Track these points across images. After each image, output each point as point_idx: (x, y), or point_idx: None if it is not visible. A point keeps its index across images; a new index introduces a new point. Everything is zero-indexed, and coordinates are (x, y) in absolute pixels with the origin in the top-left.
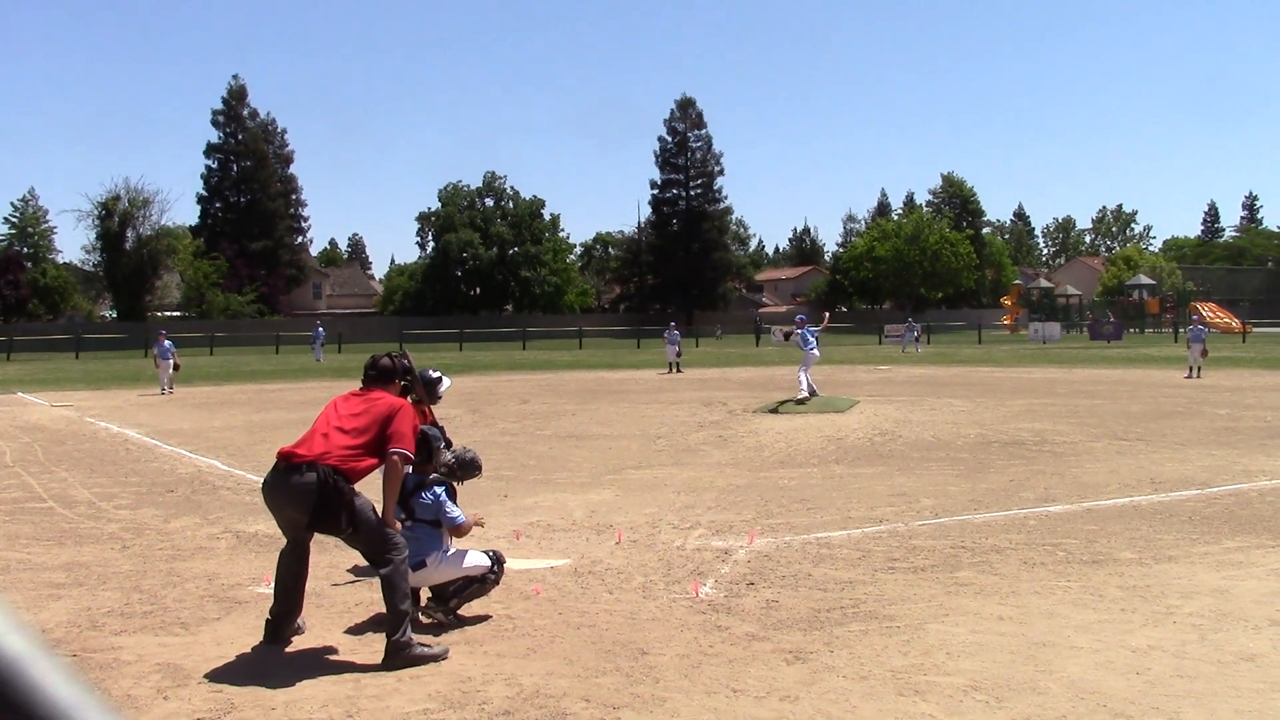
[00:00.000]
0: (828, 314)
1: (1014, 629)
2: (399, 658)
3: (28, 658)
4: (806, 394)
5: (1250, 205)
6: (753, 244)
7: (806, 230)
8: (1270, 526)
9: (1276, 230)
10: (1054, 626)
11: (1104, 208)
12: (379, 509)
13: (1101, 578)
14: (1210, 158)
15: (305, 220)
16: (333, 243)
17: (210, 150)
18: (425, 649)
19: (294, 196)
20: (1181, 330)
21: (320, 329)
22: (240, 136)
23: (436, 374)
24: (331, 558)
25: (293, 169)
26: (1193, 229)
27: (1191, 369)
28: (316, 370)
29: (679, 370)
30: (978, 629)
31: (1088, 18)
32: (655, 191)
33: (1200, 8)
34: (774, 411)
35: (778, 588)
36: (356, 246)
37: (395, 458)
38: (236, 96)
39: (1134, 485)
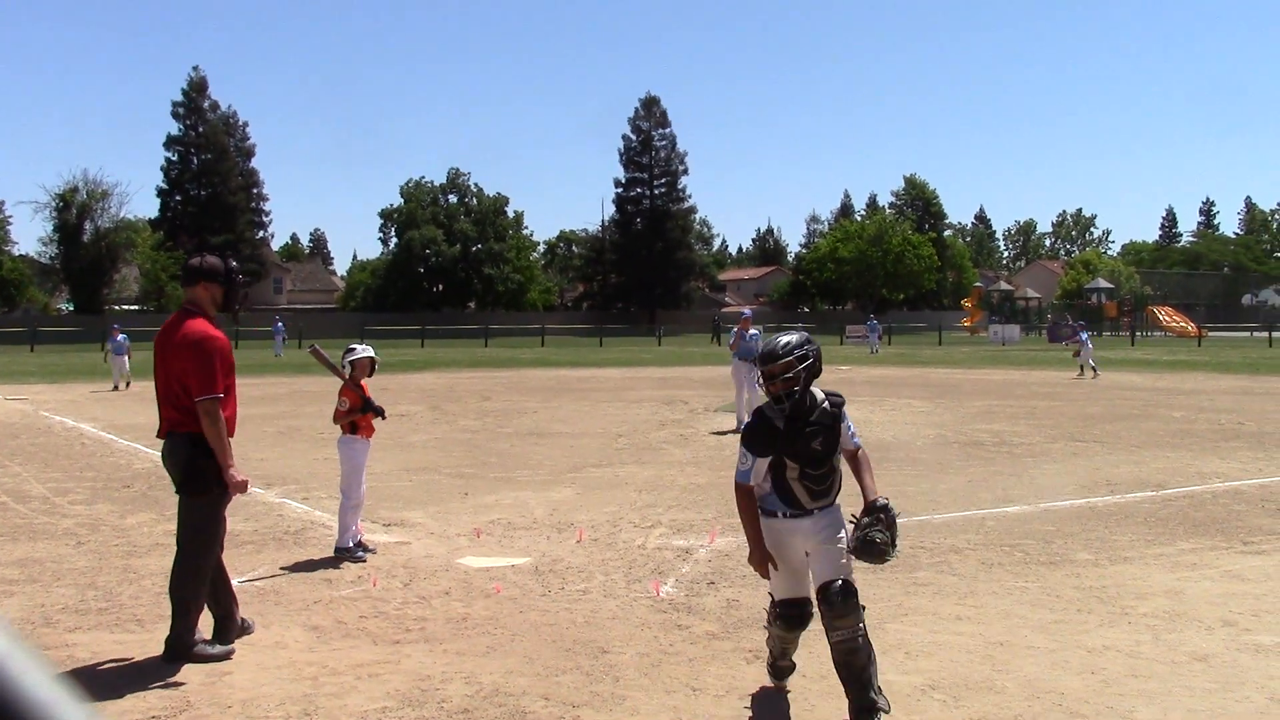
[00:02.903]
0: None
1: (972, 629)
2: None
3: (5, 654)
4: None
5: (1207, 211)
6: (716, 244)
7: (770, 230)
8: (1224, 528)
9: (1233, 236)
10: (1011, 626)
11: (1064, 212)
12: None
13: (1058, 578)
14: (1168, 164)
15: (267, 215)
16: (294, 238)
17: (170, 143)
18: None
19: (255, 190)
20: (1141, 333)
21: (280, 323)
22: (201, 129)
23: (355, 346)
24: (290, 554)
25: (254, 163)
26: (1151, 234)
27: (1082, 369)
28: (276, 365)
29: None
30: (936, 629)
31: (1050, 23)
32: (619, 190)
33: (1161, 15)
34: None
35: (738, 587)
36: (319, 242)
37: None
38: (197, 88)
39: (1090, 487)
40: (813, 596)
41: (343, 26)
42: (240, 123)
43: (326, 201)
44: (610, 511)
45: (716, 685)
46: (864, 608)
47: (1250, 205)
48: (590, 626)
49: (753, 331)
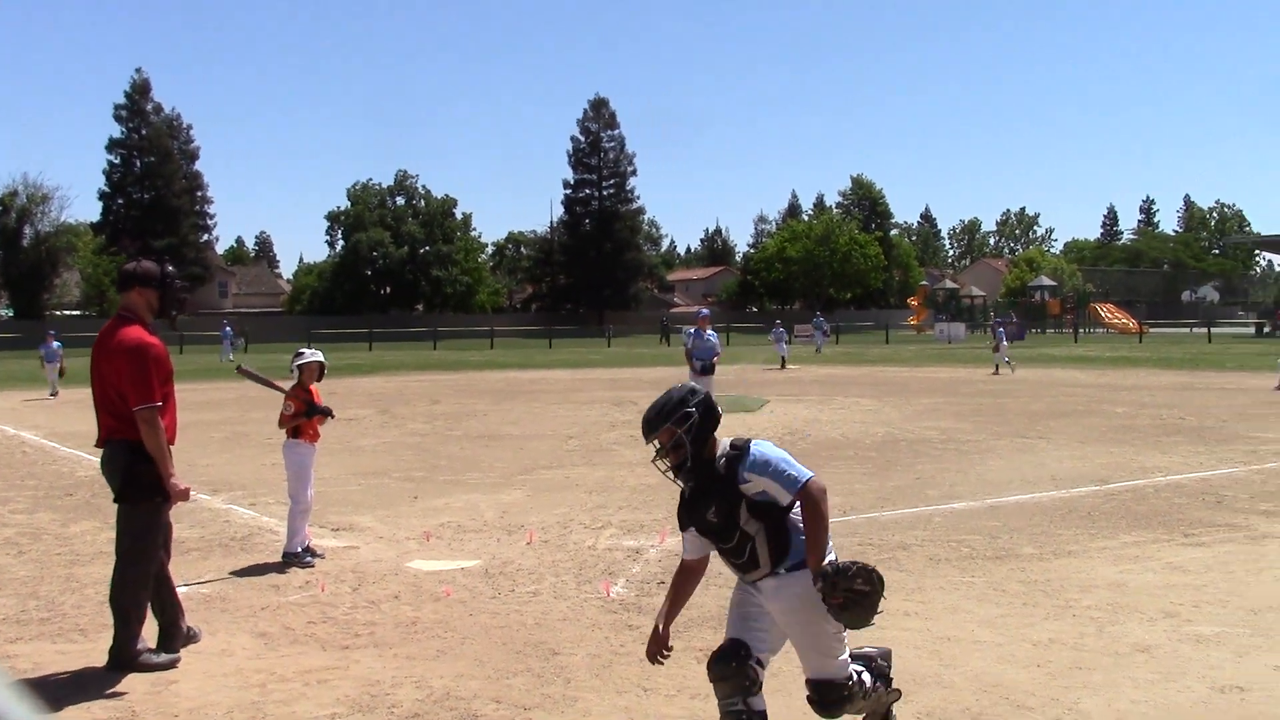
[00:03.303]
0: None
1: (920, 624)
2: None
3: None
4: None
5: (1147, 209)
6: (665, 244)
7: (718, 231)
8: (1165, 521)
9: (1172, 234)
10: (958, 621)
11: (1008, 210)
12: None
13: (1004, 573)
14: (1109, 163)
15: (211, 218)
16: (240, 241)
17: (113, 145)
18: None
19: (200, 193)
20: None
21: (229, 327)
22: (144, 132)
23: (303, 350)
24: (237, 560)
25: (199, 165)
26: (1092, 232)
27: (998, 366)
28: (222, 370)
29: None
30: (884, 625)
31: (993, 26)
32: (568, 191)
33: (1101, 17)
34: None
35: None
36: (264, 245)
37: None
38: (140, 91)
39: (1035, 482)
40: (752, 643)
41: (287, 28)
42: (184, 125)
43: (272, 204)
44: (561, 513)
45: (667, 685)
46: (865, 686)
47: (1189, 203)
48: (541, 628)
49: (710, 331)
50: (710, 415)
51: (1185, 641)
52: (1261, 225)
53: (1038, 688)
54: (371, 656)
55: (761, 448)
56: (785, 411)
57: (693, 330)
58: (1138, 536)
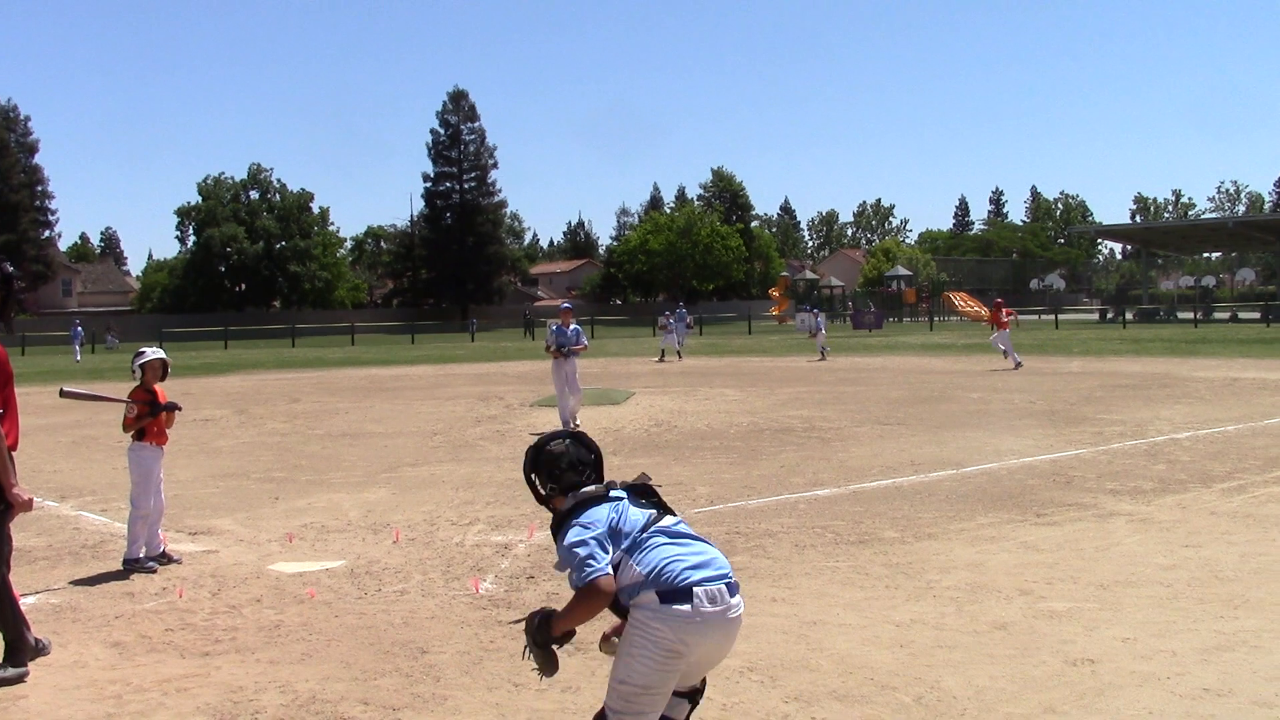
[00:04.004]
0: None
1: (787, 610)
2: None
3: None
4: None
5: (996, 200)
6: (527, 238)
7: (581, 224)
8: (1019, 502)
9: (1020, 224)
10: (824, 605)
11: (864, 202)
12: None
13: (867, 556)
14: (960, 154)
15: (53, 213)
16: (84, 237)
17: None
18: None
19: (40, 188)
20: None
21: (79, 327)
22: None
23: (145, 349)
24: (88, 568)
25: (38, 159)
26: (945, 222)
27: (822, 353)
28: (71, 372)
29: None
30: (752, 611)
31: (843, 22)
32: (428, 184)
33: (948, 14)
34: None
35: (558, 580)
36: (110, 241)
37: None
38: None
39: (896, 467)
40: None
41: (132, 17)
42: (22, 117)
43: (119, 199)
44: (427, 510)
45: (539, 679)
46: None
47: (1036, 194)
48: (409, 627)
49: (574, 326)
50: (552, 459)
51: (1040, 617)
52: (1103, 215)
53: (901, 667)
54: (233, 662)
55: (570, 536)
56: (651, 403)
57: (555, 325)
58: (993, 518)
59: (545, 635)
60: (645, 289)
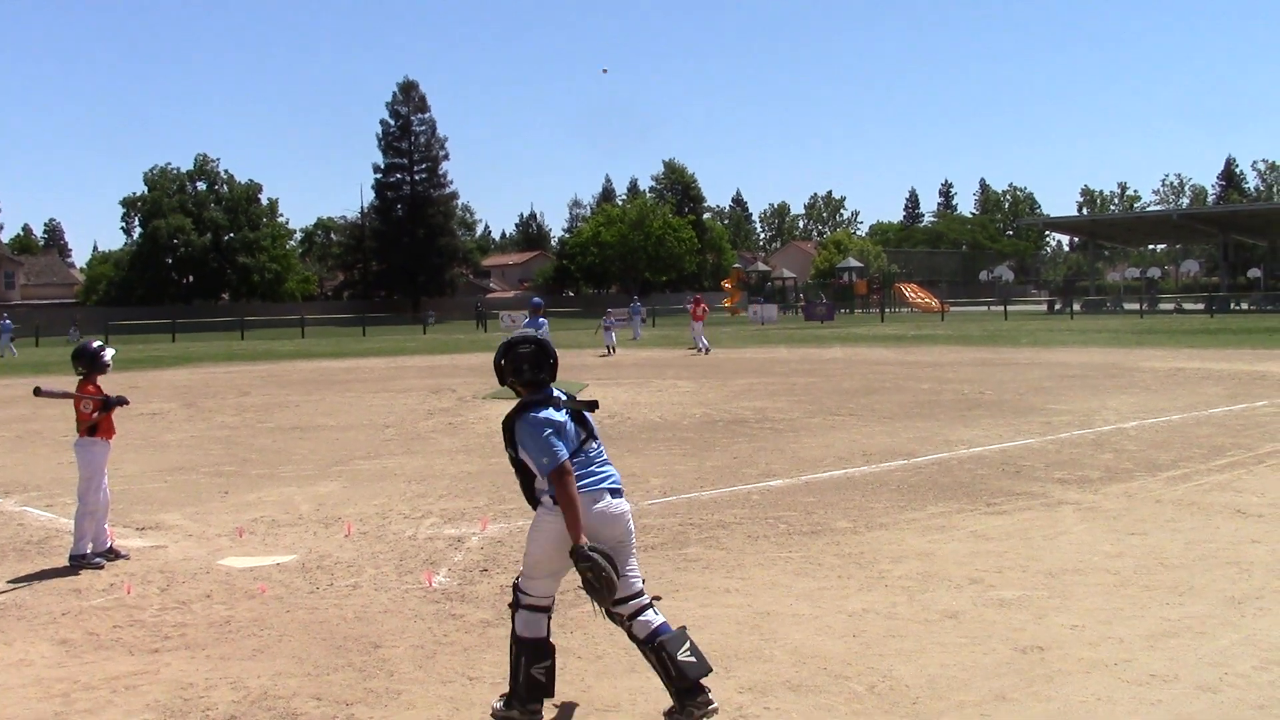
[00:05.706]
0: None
1: (740, 600)
2: None
3: None
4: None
5: (946, 192)
6: (479, 229)
7: (533, 215)
8: (969, 491)
9: (970, 216)
10: (777, 596)
11: (815, 194)
12: None
13: (820, 547)
14: (910, 146)
15: None
16: (26, 229)
17: None
18: None
19: None
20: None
21: (7, 320)
22: None
23: (97, 344)
24: (33, 565)
25: None
26: (896, 214)
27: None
28: (7, 367)
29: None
30: (706, 602)
31: (794, 15)
32: (378, 176)
33: (897, 7)
34: (500, 398)
35: (512, 573)
36: (54, 233)
37: None
38: None
39: (848, 458)
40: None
41: (76, 5)
42: None
43: (62, 190)
44: (379, 504)
45: (493, 673)
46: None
47: (984, 186)
48: (361, 622)
49: (541, 318)
50: (509, 361)
51: (990, 606)
52: (1051, 207)
53: (854, 657)
54: (183, 659)
55: (528, 425)
56: (604, 395)
57: (527, 319)
58: (944, 507)
59: (588, 552)
60: (598, 281)
